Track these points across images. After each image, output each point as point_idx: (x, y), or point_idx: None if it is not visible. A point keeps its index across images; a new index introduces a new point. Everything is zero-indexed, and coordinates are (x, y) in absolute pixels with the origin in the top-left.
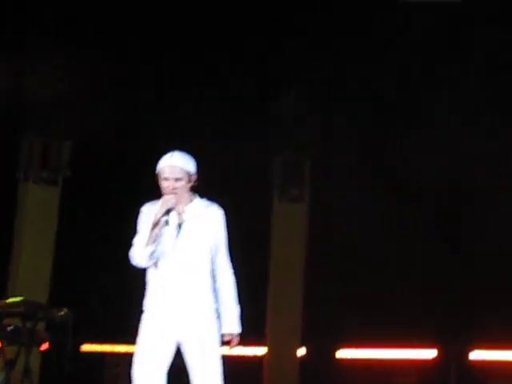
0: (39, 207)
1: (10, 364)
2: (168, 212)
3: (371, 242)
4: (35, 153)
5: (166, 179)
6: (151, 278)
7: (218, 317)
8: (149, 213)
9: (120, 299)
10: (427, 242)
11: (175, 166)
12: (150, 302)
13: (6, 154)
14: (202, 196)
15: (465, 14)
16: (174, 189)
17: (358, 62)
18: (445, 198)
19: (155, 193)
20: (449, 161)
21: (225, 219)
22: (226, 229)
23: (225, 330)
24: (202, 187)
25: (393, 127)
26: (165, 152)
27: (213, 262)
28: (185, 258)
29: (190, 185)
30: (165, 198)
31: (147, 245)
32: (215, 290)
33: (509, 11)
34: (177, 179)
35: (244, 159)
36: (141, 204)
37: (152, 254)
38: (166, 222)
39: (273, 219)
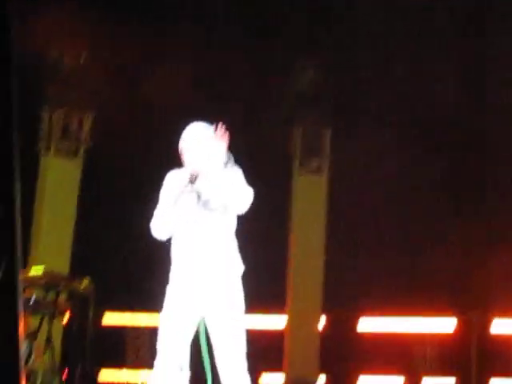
0: (60, 179)
1: (33, 335)
2: (193, 181)
3: (392, 210)
4: (56, 123)
5: (192, 148)
6: (176, 249)
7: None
8: (173, 181)
9: (142, 269)
10: (451, 206)
11: (202, 135)
12: (174, 274)
13: (27, 127)
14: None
15: None
16: (200, 157)
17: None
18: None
19: (175, 164)
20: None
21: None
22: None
23: None
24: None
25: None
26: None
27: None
28: (209, 227)
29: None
30: (190, 167)
31: (168, 215)
32: None
33: None
34: (202, 149)
35: (263, 130)
36: (160, 174)
37: (172, 224)
38: (191, 191)
39: (293, 191)
